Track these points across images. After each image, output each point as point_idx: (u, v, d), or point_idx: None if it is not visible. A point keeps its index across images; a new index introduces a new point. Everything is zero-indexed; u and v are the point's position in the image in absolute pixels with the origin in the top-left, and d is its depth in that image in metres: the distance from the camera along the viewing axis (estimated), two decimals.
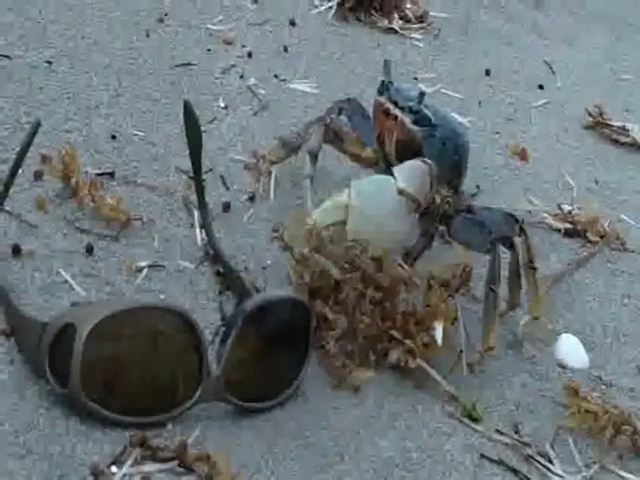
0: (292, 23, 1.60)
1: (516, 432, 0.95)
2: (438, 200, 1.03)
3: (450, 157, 1.07)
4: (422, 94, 1.07)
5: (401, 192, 0.99)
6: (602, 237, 1.29)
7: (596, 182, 1.44)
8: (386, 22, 1.70)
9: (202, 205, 1.05)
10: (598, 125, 1.59)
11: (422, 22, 1.75)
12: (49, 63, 1.27)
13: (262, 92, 1.38)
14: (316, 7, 1.68)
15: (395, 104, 1.07)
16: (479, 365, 0.99)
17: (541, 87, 1.68)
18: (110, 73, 1.29)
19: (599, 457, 0.95)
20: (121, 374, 0.80)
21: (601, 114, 1.60)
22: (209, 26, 1.50)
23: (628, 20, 2.11)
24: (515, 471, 0.91)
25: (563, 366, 1.06)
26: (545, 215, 1.30)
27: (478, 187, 1.31)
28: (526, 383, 1.02)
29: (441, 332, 0.94)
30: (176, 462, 0.78)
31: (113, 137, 1.17)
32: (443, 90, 1.55)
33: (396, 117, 1.07)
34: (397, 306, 0.95)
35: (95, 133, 1.17)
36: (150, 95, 1.28)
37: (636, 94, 1.77)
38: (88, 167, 1.10)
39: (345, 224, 0.97)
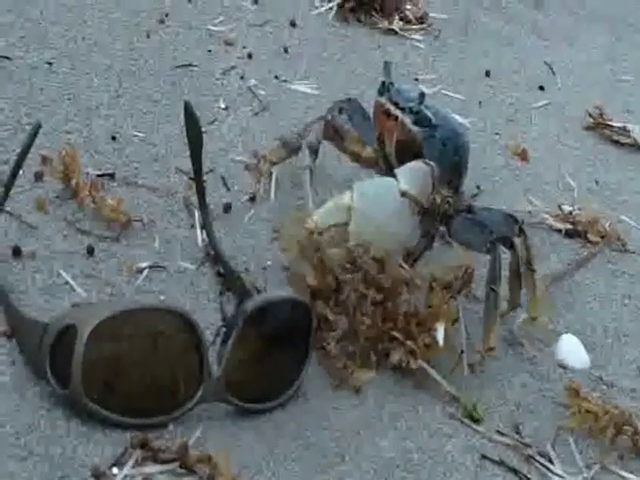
0: (292, 24, 1.60)
1: (517, 432, 0.95)
2: (438, 200, 1.03)
3: (450, 157, 1.07)
4: (422, 95, 1.08)
5: (404, 194, 0.99)
6: (602, 238, 1.29)
7: (596, 183, 1.44)
8: (386, 23, 1.70)
9: (203, 206, 1.05)
10: (598, 126, 1.59)
11: (422, 23, 1.75)
12: (49, 64, 1.27)
13: (262, 93, 1.38)
14: (316, 8, 1.68)
15: (395, 105, 1.07)
16: (480, 365, 0.99)
17: (541, 88, 1.68)
18: (111, 74, 1.30)
19: (600, 457, 0.95)
20: (122, 375, 0.80)
21: (601, 115, 1.60)
22: (210, 27, 1.50)
23: (628, 20, 2.11)
24: (516, 472, 0.91)
25: (564, 366, 1.06)
26: (546, 216, 1.30)
27: (479, 188, 1.31)
28: (527, 383, 1.02)
29: (442, 333, 0.94)
30: (177, 463, 0.78)
31: (113, 138, 1.17)
32: (443, 91, 1.55)
33: (396, 118, 1.07)
34: (399, 307, 0.95)
35: (95, 134, 1.17)
36: (151, 96, 1.28)
37: (636, 95, 1.77)
38: (89, 168, 1.10)
39: (347, 226, 0.97)
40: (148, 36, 1.41)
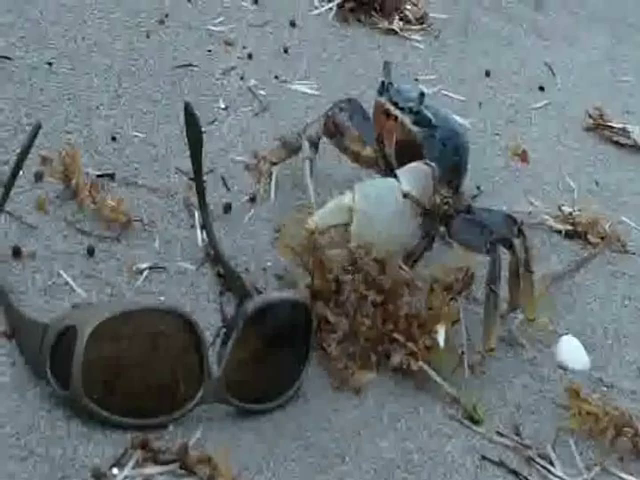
0: (292, 24, 1.59)
1: (517, 434, 0.95)
2: (438, 201, 1.03)
3: (450, 158, 1.07)
4: (422, 95, 1.07)
5: (405, 195, 0.99)
6: (603, 239, 1.29)
7: (596, 184, 1.44)
8: (386, 23, 1.70)
9: (203, 206, 1.05)
10: (598, 127, 1.59)
11: (422, 23, 1.75)
12: (50, 64, 1.27)
13: (262, 93, 1.38)
14: (316, 8, 1.68)
15: (395, 105, 1.07)
16: (480, 366, 0.99)
17: (542, 88, 1.68)
18: (111, 74, 1.29)
19: (600, 459, 0.95)
20: (122, 376, 0.80)
21: (601, 116, 1.60)
22: (209, 27, 1.50)
23: (628, 21, 2.11)
24: (516, 473, 0.90)
25: (564, 368, 1.06)
26: (546, 217, 1.30)
27: (479, 188, 1.31)
28: (527, 385, 1.02)
29: (444, 335, 0.94)
30: (177, 464, 0.78)
31: (113, 138, 1.17)
32: (443, 91, 1.55)
33: (396, 118, 1.07)
34: (399, 308, 0.95)
35: (96, 134, 1.17)
36: (150, 96, 1.28)
37: (636, 95, 1.77)
38: (89, 168, 1.10)
39: (347, 227, 0.97)
40: (148, 36, 1.41)
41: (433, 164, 1.02)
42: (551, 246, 1.26)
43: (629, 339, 1.14)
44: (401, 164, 1.05)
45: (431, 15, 1.77)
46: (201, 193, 1.04)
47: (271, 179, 1.18)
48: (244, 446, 0.83)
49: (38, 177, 1.06)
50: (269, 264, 1.05)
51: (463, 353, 0.98)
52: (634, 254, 1.30)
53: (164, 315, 0.82)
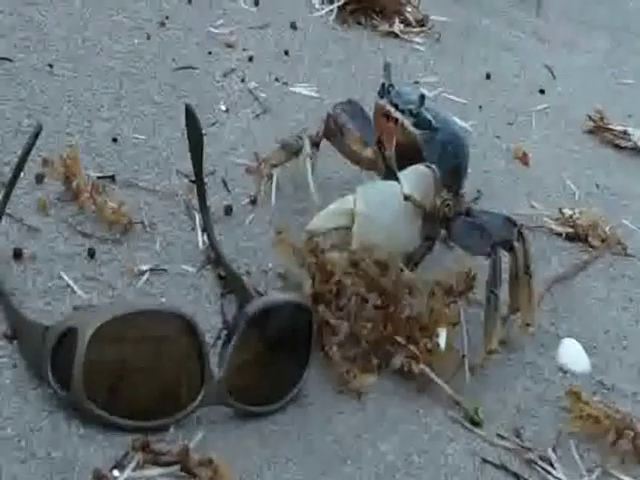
0: (293, 26, 1.60)
1: (518, 436, 0.95)
2: (438, 203, 1.03)
3: (450, 160, 1.07)
4: (422, 97, 1.07)
5: (407, 198, 0.99)
6: (603, 241, 1.29)
7: (597, 186, 1.44)
8: (387, 26, 1.70)
9: (204, 208, 1.05)
10: (599, 129, 1.59)
11: (423, 26, 1.75)
12: (50, 66, 1.27)
13: (263, 95, 1.38)
14: (317, 11, 1.68)
15: (395, 107, 1.07)
16: (481, 369, 0.99)
17: (542, 92, 1.68)
18: (111, 76, 1.29)
19: (601, 461, 0.95)
20: (123, 378, 0.80)
21: (602, 118, 1.60)
22: (210, 29, 1.50)
23: (628, 27, 2.11)
24: (517, 476, 0.90)
25: (565, 370, 1.06)
26: (546, 219, 1.30)
27: (479, 191, 1.31)
28: (528, 387, 1.02)
29: (445, 338, 0.94)
30: (178, 466, 0.77)
31: (114, 140, 1.17)
32: (444, 94, 1.55)
33: (396, 120, 1.07)
34: (401, 311, 0.95)
35: (96, 136, 1.17)
36: (151, 98, 1.28)
37: (637, 99, 1.77)
38: (89, 170, 1.10)
39: (348, 230, 0.97)
40: (149, 38, 1.41)
41: (434, 167, 1.02)
42: (552, 249, 1.26)
43: (630, 341, 1.14)
44: (401, 166, 1.05)
45: (432, 18, 1.78)
46: (202, 195, 1.04)
47: (272, 181, 1.18)
48: (245, 448, 0.83)
49: (39, 179, 1.06)
50: (270, 266, 1.05)
51: (464, 356, 0.98)
52: (634, 257, 1.30)
53: (165, 317, 0.82)
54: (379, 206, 0.99)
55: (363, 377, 0.93)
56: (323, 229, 0.98)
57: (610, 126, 1.59)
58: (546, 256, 1.23)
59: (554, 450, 0.94)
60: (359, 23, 1.69)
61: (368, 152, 1.13)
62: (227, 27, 1.53)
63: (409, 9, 1.76)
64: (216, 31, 1.50)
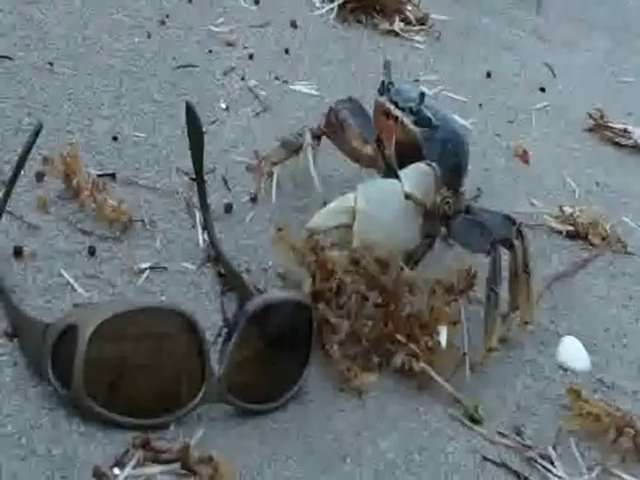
0: (293, 25, 1.60)
1: (518, 434, 0.95)
2: (438, 201, 1.03)
3: (450, 158, 1.07)
4: (422, 95, 1.07)
5: (408, 196, 0.98)
6: (603, 239, 1.29)
7: (597, 184, 1.44)
8: (387, 24, 1.70)
9: (204, 206, 1.05)
10: (599, 127, 1.59)
11: (423, 24, 1.75)
12: (51, 65, 1.27)
13: (263, 94, 1.38)
14: (317, 9, 1.68)
15: (395, 105, 1.07)
16: (481, 366, 0.99)
17: (542, 90, 1.68)
18: (112, 75, 1.30)
19: (601, 459, 0.94)
20: (123, 375, 0.80)
21: (602, 116, 1.60)
22: (210, 28, 1.50)
23: (629, 27, 2.11)
24: (517, 474, 0.90)
25: (565, 368, 1.06)
26: (546, 217, 1.30)
27: (479, 189, 1.31)
28: (528, 385, 1.02)
29: (445, 336, 0.94)
30: (179, 464, 0.78)
31: (115, 138, 1.17)
32: (444, 92, 1.55)
33: (396, 118, 1.07)
34: (401, 309, 0.95)
35: (97, 134, 1.17)
36: (152, 96, 1.28)
37: (637, 97, 1.77)
38: (90, 168, 1.10)
39: (349, 227, 0.97)
40: (149, 37, 1.41)
41: (435, 165, 1.02)
42: (552, 247, 1.26)
43: (630, 339, 1.14)
44: (401, 164, 1.05)
45: (432, 16, 1.78)
46: (202, 193, 1.05)
47: (272, 179, 1.18)
48: (245, 446, 0.83)
49: (39, 177, 1.06)
50: (270, 264, 1.05)
51: (465, 354, 0.98)
52: (635, 254, 1.30)
53: (165, 315, 0.82)
54: (380, 204, 0.99)
55: (364, 375, 0.93)
56: (323, 227, 0.98)
57: (610, 124, 1.60)
58: (546, 254, 1.23)
59: (554, 448, 0.94)
60: (359, 22, 1.69)
61: (368, 149, 1.13)
62: (227, 25, 1.53)
63: (409, 8, 1.76)
64: (216, 29, 1.50)
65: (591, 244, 1.28)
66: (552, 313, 1.13)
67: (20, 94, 1.19)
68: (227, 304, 0.98)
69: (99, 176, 1.09)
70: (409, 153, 1.06)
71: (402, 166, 1.05)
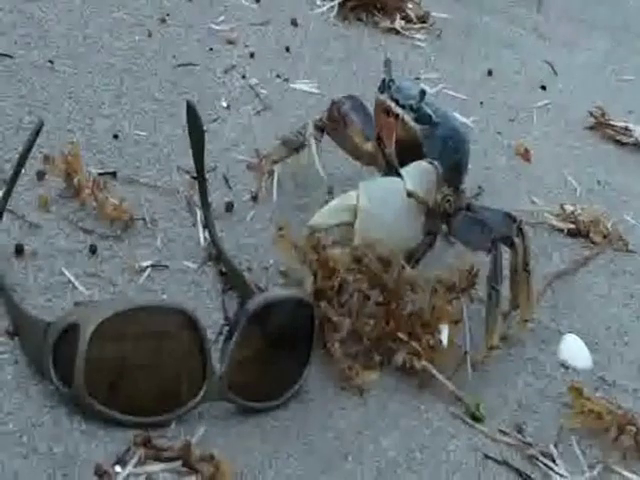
0: (294, 23, 1.60)
1: (519, 432, 0.95)
2: (439, 199, 1.03)
3: (451, 155, 1.07)
4: (423, 92, 1.07)
5: (410, 194, 0.98)
6: (605, 237, 1.29)
7: (598, 182, 1.44)
8: (388, 22, 1.70)
9: (205, 205, 1.05)
10: (600, 126, 1.59)
11: (424, 22, 1.75)
12: (51, 63, 1.27)
13: (264, 92, 1.38)
14: (318, 7, 1.68)
15: (396, 102, 1.07)
16: (482, 365, 0.99)
17: (543, 88, 1.68)
18: (112, 73, 1.29)
19: (603, 457, 0.95)
20: (125, 374, 0.80)
21: (603, 115, 1.60)
22: (211, 26, 1.50)
23: (629, 27, 2.11)
24: (519, 471, 0.90)
25: (566, 366, 1.06)
26: (548, 215, 1.30)
27: (480, 188, 1.31)
28: (529, 383, 1.02)
29: (447, 334, 0.94)
30: (180, 462, 0.78)
31: (115, 137, 1.17)
32: (445, 91, 1.55)
33: (397, 115, 1.07)
34: (403, 308, 0.95)
35: (97, 133, 1.17)
36: (152, 95, 1.28)
37: (638, 95, 1.77)
38: (90, 167, 1.10)
39: (351, 225, 0.97)
40: (150, 35, 1.41)
41: (436, 163, 1.02)
42: (553, 245, 1.26)
43: (631, 337, 1.14)
44: (402, 162, 1.05)
45: (433, 14, 1.78)
46: (203, 192, 1.04)
47: (273, 178, 1.18)
48: (247, 444, 0.83)
49: (40, 176, 1.06)
50: (271, 262, 1.05)
51: (466, 352, 0.98)
52: (636, 253, 1.30)
53: (167, 313, 0.82)
54: (382, 202, 0.98)
55: (365, 374, 0.93)
56: (325, 225, 0.98)
57: (611, 122, 1.59)
58: (547, 252, 1.23)
59: (556, 446, 0.94)
60: (360, 20, 1.69)
61: (369, 146, 1.13)
62: (228, 24, 1.53)
63: (410, 6, 1.76)
64: (217, 28, 1.50)
65: (592, 242, 1.28)
66: (553, 311, 1.13)
67: (20, 92, 1.19)
68: (228, 303, 0.98)
69: (100, 175, 1.09)
70: (410, 151, 1.06)
71: (403, 164, 1.05)
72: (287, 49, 1.51)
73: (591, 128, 1.59)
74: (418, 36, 1.71)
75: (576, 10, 2.10)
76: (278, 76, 1.43)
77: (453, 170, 1.06)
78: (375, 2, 1.70)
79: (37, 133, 0.93)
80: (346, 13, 1.68)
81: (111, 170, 1.11)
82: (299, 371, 0.89)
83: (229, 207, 1.12)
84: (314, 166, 1.13)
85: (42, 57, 1.27)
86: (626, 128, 1.58)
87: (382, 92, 1.09)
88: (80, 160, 1.05)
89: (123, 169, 1.12)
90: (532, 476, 0.90)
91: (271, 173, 1.18)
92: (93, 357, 0.78)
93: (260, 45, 1.50)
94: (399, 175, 1.01)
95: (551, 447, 0.94)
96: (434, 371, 0.95)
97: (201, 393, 0.82)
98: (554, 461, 0.93)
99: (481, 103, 1.56)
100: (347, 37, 1.63)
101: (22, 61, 1.25)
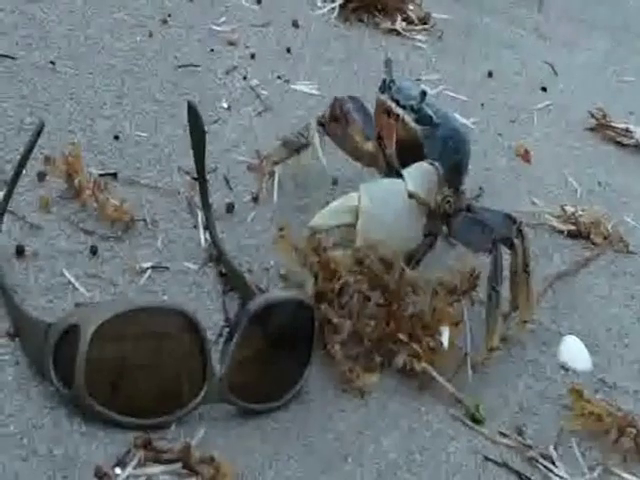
0: (295, 24, 1.60)
1: (519, 434, 0.95)
2: (439, 199, 1.03)
3: (451, 156, 1.07)
4: (423, 93, 1.07)
5: (411, 195, 0.98)
6: (605, 239, 1.29)
7: (599, 184, 1.44)
8: (389, 24, 1.70)
9: (206, 206, 1.05)
10: (601, 127, 1.59)
11: (425, 24, 1.75)
12: (53, 64, 1.27)
13: (265, 93, 1.38)
14: (319, 8, 1.68)
15: (396, 103, 1.07)
16: (482, 366, 0.99)
17: (544, 89, 1.68)
18: (113, 74, 1.29)
19: (603, 459, 0.95)
20: (125, 375, 0.80)
21: (604, 116, 1.60)
22: (212, 27, 1.50)
23: (629, 27, 2.11)
24: (519, 473, 0.90)
25: (566, 368, 1.06)
26: (548, 217, 1.30)
27: (481, 189, 1.31)
28: (529, 385, 1.02)
29: (447, 336, 0.94)
30: (180, 464, 0.78)
31: (116, 138, 1.17)
32: (446, 92, 1.55)
33: (397, 116, 1.07)
34: (404, 309, 0.95)
35: (98, 134, 1.17)
36: (153, 96, 1.28)
37: (639, 96, 1.77)
38: (91, 168, 1.10)
39: (352, 227, 0.97)
40: (151, 36, 1.41)
41: (437, 164, 1.02)
42: (554, 246, 1.26)
43: (631, 339, 1.14)
44: (402, 162, 1.05)
45: (434, 16, 1.77)
46: (204, 193, 1.04)
47: (273, 179, 1.18)
48: (247, 446, 0.83)
49: (41, 177, 1.06)
50: (272, 264, 1.05)
51: (466, 354, 0.98)
52: (636, 254, 1.30)
53: (167, 314, 0.82)
54: (383, 203, 0.98)
55: (366, 376, 0.93)
56: (326, 226, 0.98)
57: (612, 123, 1.59)
58: (548, 253, 1.23)
59: (556, 448, 0.94)
60: (361, 21, 1.69)
61: (369, 145, 1.13)
62: (229, 25, 1.53)
63: (411, 7, 1.76)
64: (218, 29, 1.50)
65: (593, 243, 1.28)
66: (554, 313, 1.13)
67: (22, 93, 1.19)
68: (229, 304, 0.98)
69: (101, 175, 1.09)
70: (410, 151, 1.06)
71: (403, 164, 1.05)
72: (288, 50, 1.51)
73: (592, 129, 1.59)
74: (419, 37, 1.71)
75: (576, 10, 2.10)
76: (279, 77, 1.43)
77: (453, 171, 1.06)
78: (376, 3, 1.70)
79: (38, 134, 0.93)
80: (347, 14, 1.68)
81: (112, 171, 1.11)
82: (299, 372, 0.90)
83: (230, 208, 1.12)
84: (317, 160, 1.14)
85: (43, 58, 1.27)
86: (627, 129, 1.58)
87: (383, 93, 1.09)
88: (81, 161, 1.06)
89: (124, 170, 1.12)
90: (532, 478, 0.90)
91: (272, 174, 1.18)
92: (94, 358, 0.78)
93: (261, 46, 1.50)
94: (400, 176, 1.01)
95: (551, 449, 0.94)
96: (434, 373, 0.95)
97: (201, 394, 0.82)
98: (554, 463, 0.93)
99: (482, 104, 1.56)
100: (348, 38, 1.63)
101: (23, 62, 1.25)
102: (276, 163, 1.19)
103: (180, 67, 1.36)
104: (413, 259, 1.02)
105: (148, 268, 0.99)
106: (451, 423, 0.93)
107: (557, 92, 1.69)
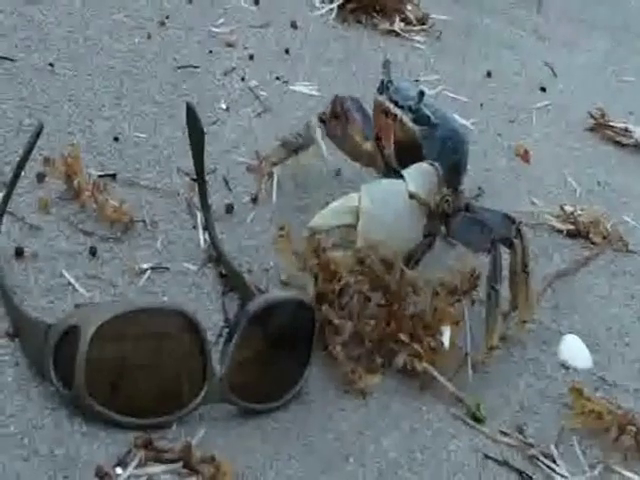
0: (293, 25, 1.60)
1: (520, 433, 0.95)
2: (438, 199, 1.03)
3: (450, 156, 1.07)
4: (422, 93, 1.07)
5: (412, 196, 0.98)
6: (604, 238, 1.29)
7: (598, 183, 1.44)
8: (387, 24, 1.70)
9: (205, 207, 1.05)
10: (600, 127, 1.59)
11: (423, 24, 1.75)
12: (52, 66, 1.27)
13: (264, 94, 1.38)
14: (317, 9, 1.68)
15: (395, 103, 1.07)
16: (483, 365, 0.99)
17: (543, 89, 1.68)
18: (112, 76, 1.30)
19: (603, 457, 0.95)
20: (125, 375, 0.80)
21: (603, 116, 1.60)
22: (211, 28, 1.50)
23: (629, 27, 2.11)
24: (519, 472, 0.90)
25: (567, 367, 1.06)
26: (548, 216, 1.30)
27: (480, 189, 1.31)
28: (530, 384, 1.02)
29: (448, 336, 0.94)
30: (181, 463, 0.78)
31: (115, 139, 1.17)
32: (445, 92, 1.55)
33: (395, 116, 1.07)
34: (404, 309, 0.95)
35: (97, 135, 1.17)
36: (152, 97, 1.28)
37: (638, 96, 1.77)
38: (91, 169, 1.10)
39: (352, 227, 0.97)
40: (149, 37, 1.41)
41: (437, 164, 1.02)
42: (553, 246, 1.26)
43: (632, 338, 1.14)
44: (401, 163, 1.05)
45: (432, 16, 1.78)
46: (203, 194, 1.04)
47: (273, 179, 1.18)
48: (247, 446, 0.83)
49: (40, 178, 1.06)
50: (271, 264, 1.05)
51: (467, 354, 0.98)
52: (636, 253, 1.30)
53: (167, 315, 0.82)
54: (384, 204, 0.98)
55: (368, 377, 0.93)
56: (326, 226, 0.98)
57: (611, 123, 1.59)
58: (548, 253, 1.23)
59: (556, 446, 0.94)
60: (359, 22, 1.69)
61: (368, 145, 1.13)
62: (228, 26, 1.53)
63: (409, 7, 1.76)
64: (217, 30, 1.50)
65: (592, 243, 1.28)
66: (554, 312, 1.13)
67: (21, 95, 1.19)
68: (228, 304, 0.98)
69: (100, 177, 1.09)
70: (408, 151, 1.06)
71: (401, 165, 1.05)
72: (287, 51, 1.51)
73: (591, 129, 1.59)
74: (417, 38, 1.71)
75: (576, 10, 2.10)
76: (278, 78, 1.43)
77: (452, 171, 1.06)
78: (374, 4, 1.70)
79: (37, 135, 0.93)
80: (345, 15, 1.68)
81: (111, 172, 1.11)
82: (299, 372, 0.90)
83: (229, 209, 1.12)
84: (320, 156, 1.13)
85: (42, 60, 1.27)
86: (626, 129, 1.58)
87: (381, 93, 1.09)
88: (80, 162, 1.06)
89: (123, 171, 1.12)
90: (533, 477, 0.90)
91: (271, 175, 1.18)
92: (94, 359, 0.78)
93: (260, 47, 1.50)
94: (399, 176, 1.01)
95: (552, 447, 0.94)
96: (435, 372, 0.95)
97: (201, 395, 0.82)
98: (555, 461, 0.93)
99: (481, 105, 1.56)
100: (346, 39, 1.63)
101: (22, 64, 1.25)
102: (275, 164, 1.19)
103: (179, 68, 1.36)
104: (412, 259, 1.02)
105: (148, 269, 0.99)
106: (452, 422, 0.93)
107: (557, 92, 1.69)
